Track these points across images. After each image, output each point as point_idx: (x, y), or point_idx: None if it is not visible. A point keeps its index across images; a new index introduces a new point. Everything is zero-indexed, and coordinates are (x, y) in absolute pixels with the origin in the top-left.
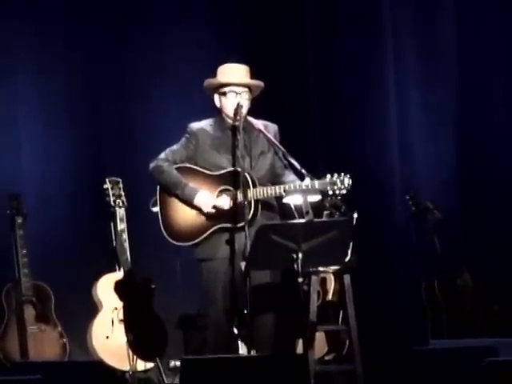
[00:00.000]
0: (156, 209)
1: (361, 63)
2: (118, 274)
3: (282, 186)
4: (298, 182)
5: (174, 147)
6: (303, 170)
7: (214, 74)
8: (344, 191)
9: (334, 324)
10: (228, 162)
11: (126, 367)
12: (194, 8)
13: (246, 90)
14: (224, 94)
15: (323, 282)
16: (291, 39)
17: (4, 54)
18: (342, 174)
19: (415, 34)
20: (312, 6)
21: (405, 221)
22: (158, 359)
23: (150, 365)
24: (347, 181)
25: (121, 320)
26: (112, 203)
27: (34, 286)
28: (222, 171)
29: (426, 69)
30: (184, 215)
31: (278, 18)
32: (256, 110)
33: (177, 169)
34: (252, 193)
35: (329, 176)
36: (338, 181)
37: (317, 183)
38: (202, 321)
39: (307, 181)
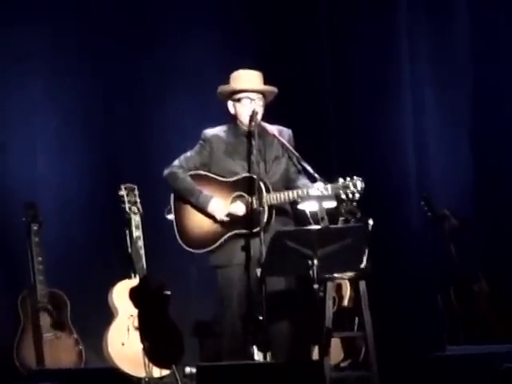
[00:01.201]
0: (171, 216)
1: (376, 65)
2: (134, 281)
3: (295, 191)
4: (310, 186)
5: (189, 154)
6: (316, 175)
7: (227, 81)
8: (357, 195)
9: (349, 330)
10: (242, 169)
11: (141, 374)
12: (209, 14)
13: (260, 96)
14: (238, 100)
15: (339, 288)
16: (306, 42)
17: (19, 61)
18: (355, 177)
19: (430, 34)
20: (328, 9)
21: (421, 227)
22: (173, 366)
23: (165, 372)
24: (360, 184)
25: (136, 327)
26: (127, 210)
27: (50, 293)
28: (236, 177)
29: (441, 69)
30: (199, 222)
31: (293, 21)
32: (271, 114)
33: (191, 176)
34: (266, 198)
35: (341, 180)
36: (351, 184)
37: (329, 187)
38: (218, 327)
39: (319, 184)
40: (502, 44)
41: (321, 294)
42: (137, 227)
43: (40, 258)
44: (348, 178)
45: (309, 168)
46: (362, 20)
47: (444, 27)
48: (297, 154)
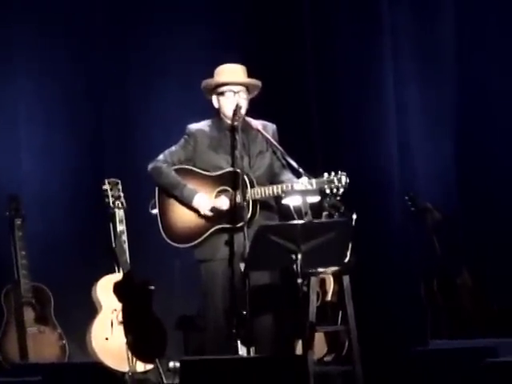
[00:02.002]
0: (155, 211)
1: (360, 62)
2: (118, 276)
3: (279, 186)
4: (295, 181)
5: (173, 148)
6: (301, 170)
7: (211, 75)
8: (341, 189)
9: (333, 325)
10: (226, 163)
11: (125, 368)
12: (195, 10)
13: (244, 89)
14: (222, 93)
15: (322, 282)
16: (290, 39)
17: (4, 54)
18: (339, 172)
19: (414, 33)
20: (311, 6)
21: (404, 221)
22: (157, 360)
23: (149, 366)
24: (344, 179)
25: (120, 321)
26: (111, 204)
27: (34, 287)
28: (221, 172)
29: (425, 68)
30: (183, 217)
31: (277, 18)
32: (255, 109)
33: (175, 170)
34: (250, 193)
35: (326, 174)
36: (335, 179)
37: (314, 182)
38: (202, 322)
39: (304, 179)
40: (488, 42)
41: (304, 288)
42: (120, 222)
43: (23, 253)
44: (333, 173)
45: (293, 163)
46: (345, 18)
47: (428, 26)
48: (281, 148)
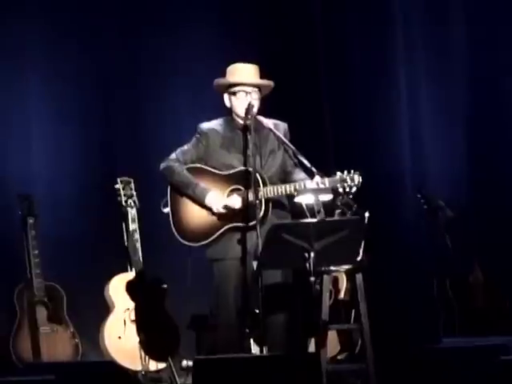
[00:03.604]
0: (167, 209)
1: (372, 62)
2: (130, 275)
3: (292, 185)
4: (307, 180)
5: (185, 147)
6: (313, 168)
7: (223, 74)
8: (354, 188)
9: (346, 323)
10: (238, 162)
11: (138, 367)
12: (206, 7)
13: (256, 89)
14: (234, 93)
15: (335, 281)
16: (302, 37)
17: (15, 54)
18: (352, 171)
19: (426, 33)
20: (323, 5)
21: (416, 219)
22: (170, 359)
23: (162, 365)
24: (357, 178)
25: (133, 320)
26: (123, 203)
27: (46, 286)
28: (233, 171)
29: (438, 68)
30: (195, 215)
31: (288, 17)
32: (267, 108)
33: (187, 169)
34: (263, 192)
35: (339, 173)
36: (348, 178)
37: (327, 181)
38: (214, 320)
39: (317, 178)
40: (499, 33)
41: (317, 286)
42: (133, 220)
43: (36, 252)
44: (346, 172)
45: (305, 161)
46: (357, 16)
47: (440, 26)
48: (293, 147)
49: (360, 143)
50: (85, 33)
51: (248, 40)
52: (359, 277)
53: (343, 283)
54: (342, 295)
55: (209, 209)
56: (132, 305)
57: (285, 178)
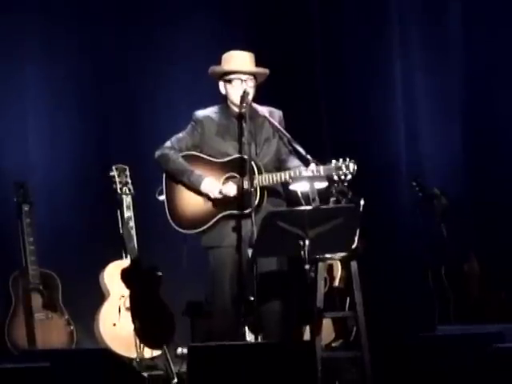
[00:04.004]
0: (162, 197)
1: (367, 50)
2: (125, 262)
3: (287, 172)
4: (303, 168)
5: (180, 135)
6: (308, 156)
7: (218, 61)
8: (349, 176)
9: (340, 311)
10: (233, 149)
11: (133, 354)
12: None
13: (251, 77)
14: (229, 81)
15: (330, 268)
16: (298, 25)
17: (11, 44)
18: (347, 159)
19: (422, 21)
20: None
21: (412, 207)
22: (165, 346)
23: (157, 352)
24: (352, 166)
25: (128, 307)
26: (119, 191)
27: (41, 273)
28: (228, 158)
29: (433, 55)
30: (190, 203)
31: (284, 5)
32: (262, 95)
33: (183, 156)
34: (258, 179)
35: (334, 161)
36: (343, 166)
37: (322, 168)
38: (209, 308)
39: (312, 166)
40: (495, 29)
41: (312, 274)
42: (128, 208)
43: (31, 239)
44: (341, 160)
45: (300, 149)
46: (353, 6)
47: (436, 14)
48: (288, 135)
49: (355, 131)
50: (80, 22)
51: (242, 27)
52: (354, 264)
53: (338, 271)
54: (336, 283)
55: (204, 196)
56: (127, 292)
57: (280, 165)
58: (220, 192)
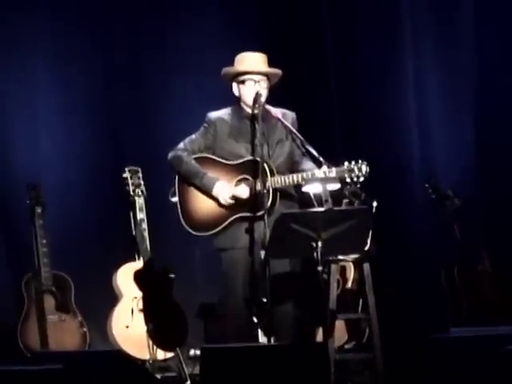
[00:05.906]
0: (175, 199)
1: (380, 50)
2: (138, 264)
3: (300, 175)
4: (315, 170)
5: (193, 137)
6: (321, 158)
7: (231, 63)
8: (362, 178)
9: (353, 312)
10: (246, 151)
11: (146, 356)
12: None
13: (265, 78)
14: (242, 82)
15: (343, 270)
16: (310, 26)
17: (23, 43)
18: (360, 161)
19: (434, 21)
20: None
21: (424, 208)
22: (177, 348)
23: (169, 354)
24: (365, 168)
25: (140, 309)
26: (131, 192)
27: (54, 275)
28: (241, 160)
29: (445, 55)
30: (203, 205)
31: (296, 5)
32: (275, 97)
33: (195, 159)
34: (270, 181)
35: (346, 163)
36: (356, 168)
37: (334, 170)
38: (222, 310)
39: (324, 168)
40: (508, 29)
41: (325, 276)
42: (141, 210)
43: (44, 241)
44: (353, 162)
45: (313, 151)
46: (365, 5)
47: (448, 14)
48: (301, 136)
49: (368, 132)
50: (92, 21)
51: (254, 28)
52: (367, 266)
53: (351, 272)
54: (349, 284)
55: (216, 198)
56: (140, 294)
57: (292, 167)
58: (231, 197)
